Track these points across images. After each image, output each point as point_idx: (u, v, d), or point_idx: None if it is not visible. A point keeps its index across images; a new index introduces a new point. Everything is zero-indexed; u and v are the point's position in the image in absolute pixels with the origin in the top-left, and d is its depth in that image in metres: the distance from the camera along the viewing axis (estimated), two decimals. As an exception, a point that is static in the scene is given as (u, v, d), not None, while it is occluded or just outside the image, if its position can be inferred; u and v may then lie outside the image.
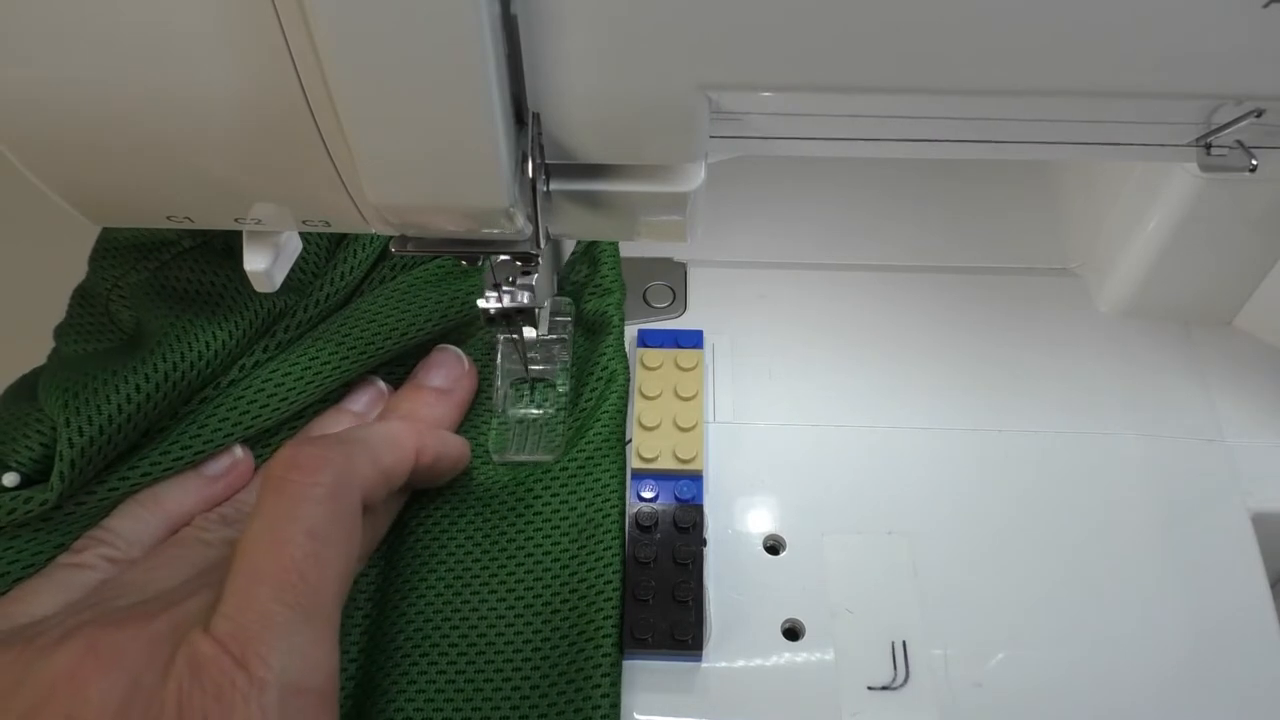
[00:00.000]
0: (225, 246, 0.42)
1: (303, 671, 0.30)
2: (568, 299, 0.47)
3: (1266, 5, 0.26)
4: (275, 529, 0.31)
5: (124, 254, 0.42)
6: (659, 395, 0.45)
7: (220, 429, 0.39)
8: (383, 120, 0.27)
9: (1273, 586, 0.42)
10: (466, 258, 0.34)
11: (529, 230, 0.32)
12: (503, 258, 0.39)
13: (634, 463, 0.43)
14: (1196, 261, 0.47)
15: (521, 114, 0.29)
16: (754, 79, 0.28)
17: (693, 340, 0.47)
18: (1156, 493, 0.44)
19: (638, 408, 0.45)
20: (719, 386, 0.47)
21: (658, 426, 0.44)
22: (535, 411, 0.45)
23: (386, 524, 0.41)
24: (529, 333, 0.41)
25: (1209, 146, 0.33)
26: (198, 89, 0.28)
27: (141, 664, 0.30)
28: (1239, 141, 0.32)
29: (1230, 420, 0.46)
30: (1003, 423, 0.46)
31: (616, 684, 0.37)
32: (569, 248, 0.46)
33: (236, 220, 0.33)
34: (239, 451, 0.41)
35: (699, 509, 0.42)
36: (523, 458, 0.43)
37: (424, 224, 0.32)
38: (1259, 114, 0.30)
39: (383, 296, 0.43)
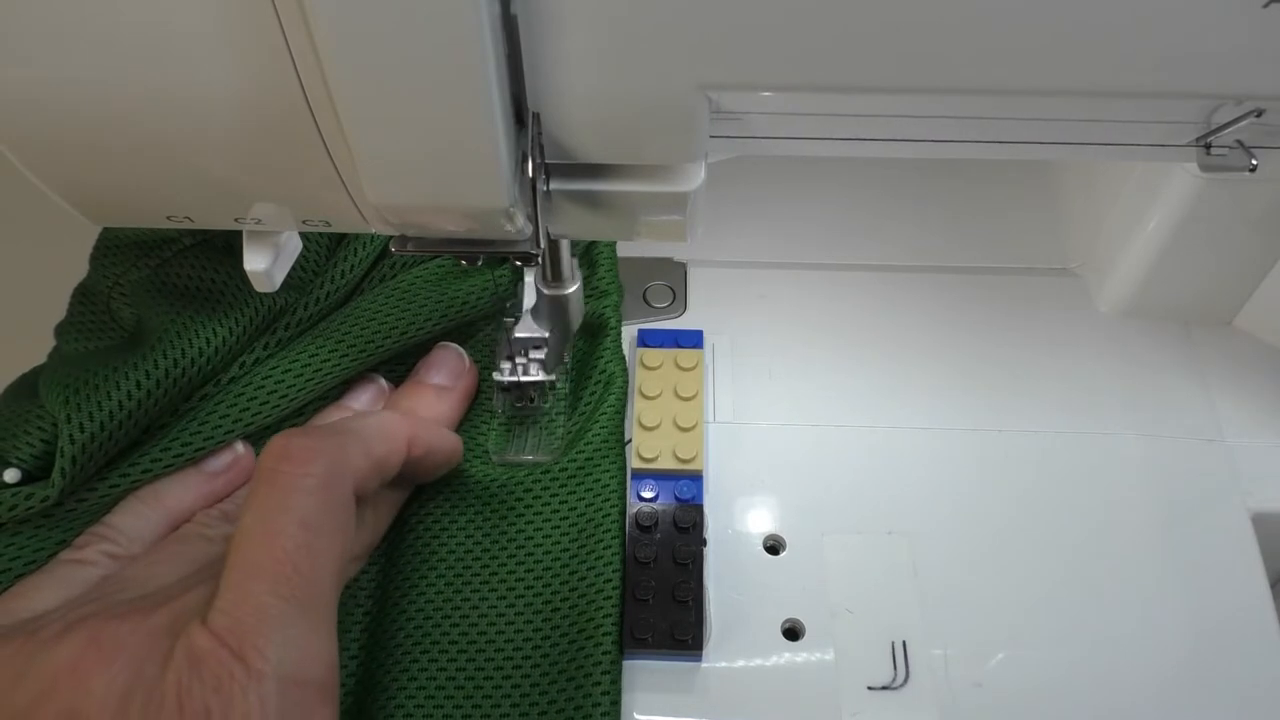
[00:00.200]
0: (226, 244, 0.42)
1: (300, 663, 0.30)
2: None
3: (1266, 5, 0.26)
4: (267, 521, 0.31)
5: (125, 252, 0.42)
6: (659, 395, 0.45)
7: (220, 426, 0.39)
8: (383, 120, 0.27)
9: (1273, 586, 0.42)
10: (466, 258, 0.34)
11: (529, 230, 0.32)
12: (517, 334, 0.40)
13: (634, 463, 0.43)
14: (1196, 261, 0.47)
15: (521, 114, 0.29)
16: (754, 79, 0.28)
17: (693, 340, 0.47)
18: (1156, 493, 0.44)
19: (638, 408, 0.45)
20: (719, 386, 0.47)
21: (658, 426, 0.44)
22: (534, 411, 0.45)
23: (387, 521, 0.41)
24: (535, 370, 0.41)
25: (1209, 146, 0.33)
26: (198, 89, 0.28)
27: (142, 657, 0.30)
28: (1239, 141, 0.32)
29: (1230, 420, 0.46)
30: (1003, 423, 0.46)
31: (617, 682, 0.37)
32: (576, 318, 0.46)
33: (236, 220, 0.33)
34: (240, 448, 0.41)
35: (699, 509, 0.42)
36: (522, 458, 0.43)
37: (424, 224, 0.32)
38: (1259, 114, 0.30)
39: (382, 295, 0.44)
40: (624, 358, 0.46)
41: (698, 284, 0.51)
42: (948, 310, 0.50)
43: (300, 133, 0.29)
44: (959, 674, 0.39)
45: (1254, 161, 0.33)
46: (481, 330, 0.47)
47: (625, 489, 0.42)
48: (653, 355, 0.47)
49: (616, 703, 0.37)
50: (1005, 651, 0.40)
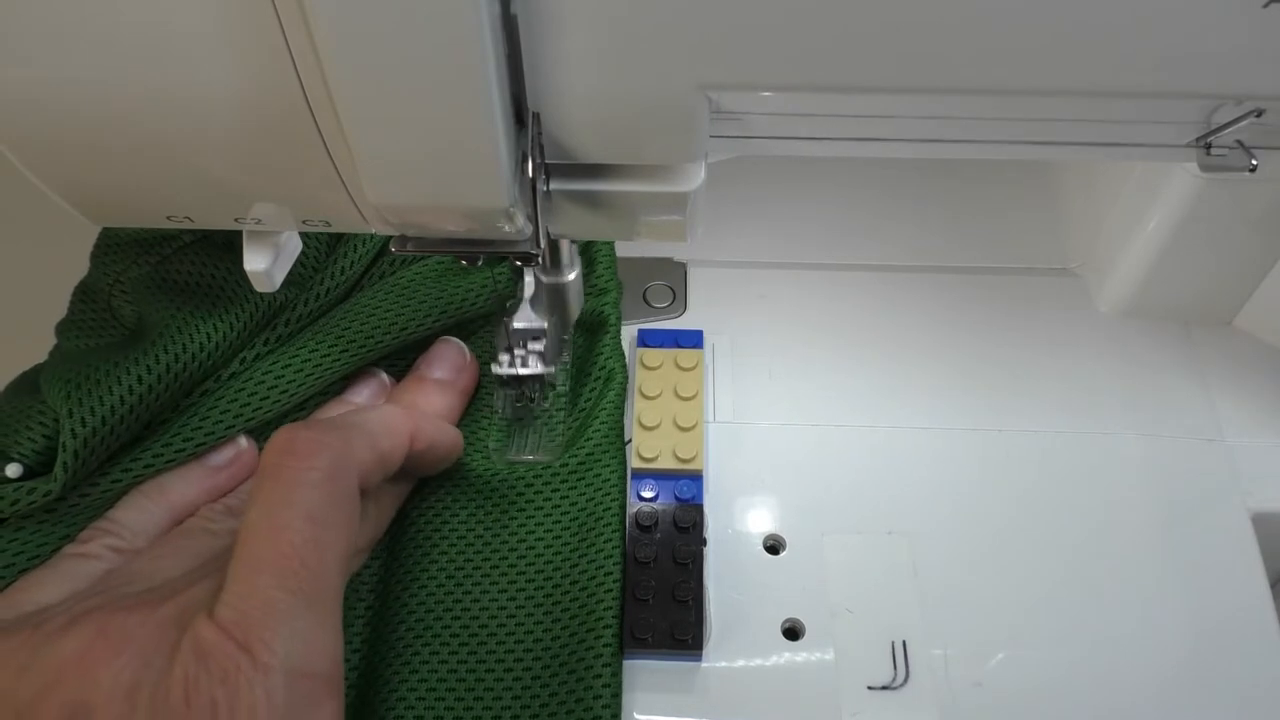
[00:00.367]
0: (226, 241, 0.42)
1: (307, 656, 0.30)
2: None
3: (1266, 5, 0.26)
4: (273, 515, 0.32)
5: (125, 249, 0.42)
6: (659, 395, 0.45)
7: (222, 421, 0.39)
8: (383, 120, 0.27)
9: (1273, 586, 0.42)
10: (466, 257, 0.34)
11: (529, 230, 0.32)
12: (516, 326, 0.40)
13: (634, 462, 0.43)
14: (1196, 261, 0.47)
15: (521, 114, 0.29)
16: (754, 79, 0.28)
17: (693, 340, 0.47)
18: (1156, 493, 0.44)
19: (638, 407, 0.45)
20: (719, 386, 0.47)
21: (658, 426, 0.44)
22: (535, 411, 0.45)
23: (390, 515, 0.41)
24: (534, 362, 0.42)
25: (1209, 146, 0.33)
26: (198, 89, 0.28)
27: (149, 649, 0.30)
28: (1239, 141, 0.32)
29: (1230, 420, 0.46)
30: (1003, 423, 0.46)
31: (618, 675, 0.37)
32: (576, 308, 0.46)
33: (236, 220, 0.33)
34: (243, 442, 0.41)
35: (699, 509, 0.42)
36: (523, 458, 0.43)
37: (424, 224, 0.32)
38: (1259, 114, 0.30)
39: (382, 291, 0.44)
40: (624, 354, 0.46)
41: (698, 284, 0.51)
42: (948, 310, 0.50)
43: (300, 133, 0.29)
44: (959, 674, 0.39)
45: (1254, 161, 0.33)
46: (483, 327, 0.47)
47: (625, 484, 0.42)
48: (653, 355, 0.47)
49: (617, 695, 0.37)
50: (1005, 651, 0.40)
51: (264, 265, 0.35)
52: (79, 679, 0.29)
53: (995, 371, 0.48)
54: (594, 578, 0.39)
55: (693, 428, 0.44)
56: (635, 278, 0.50)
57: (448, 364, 0.45)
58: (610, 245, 0.49)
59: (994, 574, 0.42)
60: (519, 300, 0.42)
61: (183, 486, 0.39)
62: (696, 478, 0.43)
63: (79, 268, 0.44)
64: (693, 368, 0.46)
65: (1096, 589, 0.41)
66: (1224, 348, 0.49)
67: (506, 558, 0.41)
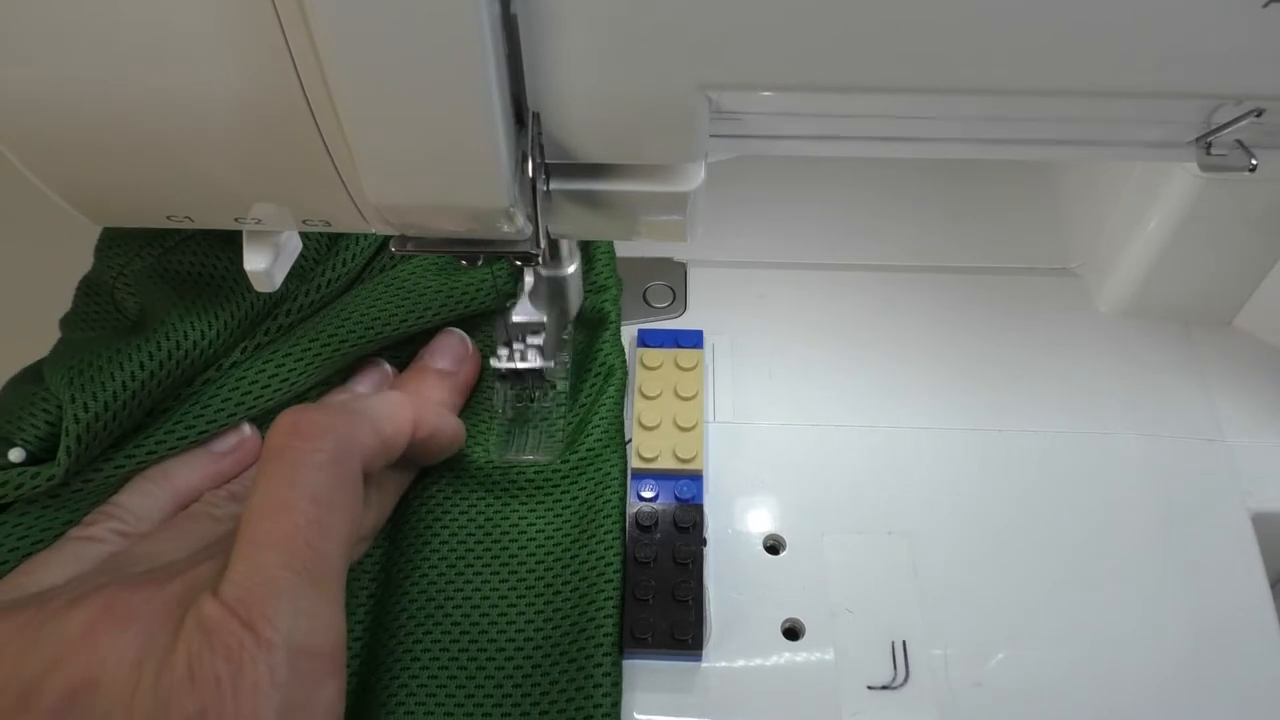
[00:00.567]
0: (227, 234, 0.42)
1: (310, 634, 0.30)
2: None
3: (1266, 5, 0.26)
4: (279, 495, 0.32)
5: (128, 243, 0.43)
6: (659, 395, 0.45)
7: (223, 409, 0.40)
8: (383, 120, 0.27)
9: (1273, 586, 0.42)
10: (466, 257, 0.34)
11: (529, 230, 0.32)
12: (515, 319, 0.40)
13: (634, 462, 0.43)
14: (1196, 261, 0.47)
15: (521, 114, 0.29)
16: (754, 79, 0.28)
17: (693, 340, 0.47)
18: (1156, 493, 0.44)
19: (638, 408, 0.45)
20: (719, 386, 0.47)
21: (658, 426, 0.44)
22: (535, 412, 0.45)
23: (392, 503, 0.41)
24: (533, 356, 0.42)
25: (1209, 146, 0.33)
26: (198, 89, 0.28)
27: (155, 626, 0.30)
28: (1239, 141, 0.32)
29: (1230, 420, 0.46)
30: (1003, 423, 0.46)
31: (617, 663, 0.37)
32: (575, 302, 0.46)
33: (236, 220, 0.33)
34: (246, 429, 0.41)
35: (699, 509, 0.42)
36: (522, 458, 0.43)
37: (424, 224, 0.32)
38: (1259, 114, 0.30)
39: (383, 284, 0.44)
40: (623, 350, 0.46)
41: (698, 284, 0.51)
42: (948, 310, 0.50)
43: (300, 133, 0.29)
44: (959, 674, 0.39)
45: (1254, 161, 0.33)
46: (485, 322, 0.47)
47: (626, 477, 0.42)
48: (653, 355, 0.47)
49: (617, 684, 0.37)
50: (1005, 651, 0.40)
51: (264, 265, 0.35)
52: (85, 654, 0.29)
53: (995, 371, 0.48)
54: (594, 568, 0.39)
55: (693, 428, 0.44)
56: (635, 278, 0.50)
57: (450, 354, 0.45)
58: (610, 242, 0.49)
59: (994, 574, 0.42)
60: (518, 294, 0.42)
61: (186, 472, 0.39)
62: (696, 478, 0.43)
63: (79, 267, 0.44)
64: (693, 368, 0.46)
65: (1096, 589, 0.41)
66: (1224, 348, 0.49)
67: (507, 548, 0.41)
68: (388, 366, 0.45)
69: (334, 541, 0.32)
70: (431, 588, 0.40)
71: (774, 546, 0.42)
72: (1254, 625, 0.40)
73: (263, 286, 0.36)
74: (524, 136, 0.29)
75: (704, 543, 0.41)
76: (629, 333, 0.48)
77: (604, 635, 0.38)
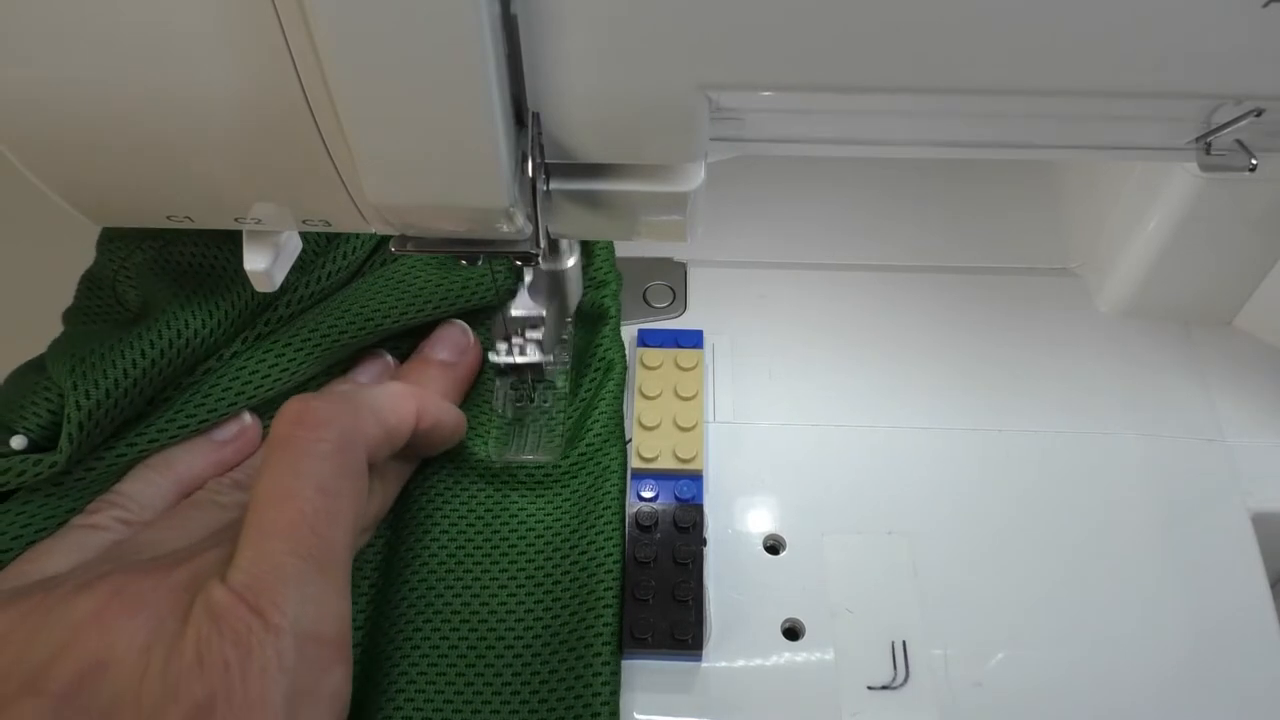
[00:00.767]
0: None
1: (317, 620, 0.31)
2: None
3: (1266, 5, 0.26)
4: (284, 484, 0.32)
5: (129, 236, 0.43)
6: (659, 395, 0.45)
7: (224, 399, 0.40)
8: (383, 120, 0.27)
9: (1273, 586, 0.42)
10: (466, 257, 0.34)
11: (529, 230, 0.32)
12: (513, 313, 0.40)
13: (634, 462, 0.43)
14: (1196, 261, 0.47)
15: (521, 114, 0.29)
16: (754, 79, 0.28)
17: (693, 340, 0.47)
18: (1156, 493, 0.44)
19: (638, 407, 0.45)
20: (719, 386, 0.47)
21: (658, 426, 0.44)
22: (535, 411, 0.45)
23: (395, 493, 0.41)
24: (532, 350, 0.41)
25: (1209, 146, 0.33)
26: (198, 89, 0.28)
27: (164, 610, 0.30)
28: (1239, 141, 0.32)
29: (1230, 420, 0.46)
30: (1003, 423, 0.46)
31: (617, 653, 0.38)
32: (574, 296, 0.46)
33: (236, 220, 0.33)
34: (247, 418, 0.41)
35: (699, 509, 0.42)
36: (523, 458, 0.43)
37: (424, 224, 0.32)
38: (1259, 114, 0.30)
39: (383, 278, 0.44)
40: (623, 345, 0.46)
41: (698, 284, 0.51)
42: (948, 310, 0.50)
43: (300, 133, 0.29)
44: (959, 674, 0.39)
45: (1254, 161, 0.33)
46: (487, 315, 0.47)
47: (626, 469, 0.43)
48: (653, 355, 0.47)
49: (616, 673, 0.37)
50: (1005, 651, 0.40)
51: (264, 265, 0.35)
52: (94, 639, 0.29)
53: (995, 371, 0.48)
54: (594, 559, 0.40)
55: (693, 428, 0.44)
56: (635, 278, 0.50)
57: (452, 346, 0.45)
58: None
59: (994, 574, 0.42)
60: (517, 289, 0.42)
61: (188, 460, 0.40)
62: (696, 478, 0.43)
63: (79, 266, 0.44)
64: (693, 368, 0.46)
65: (1096, 589, 0.41)
66: (1224, 348, 0.49)
67: (507, 539, 0.41)
68: (389, 358, 0.45)
69: (340, 529, 0.32)
70: (431, 576, 0.40)
71: (774, 546, 0.42)
72: (1254, 625, 0.40)
73: (263, 286, 0.36)
74: (524, 136, 0.29)
75: (704, 543, 0.41)
76: (629, 333, 0.48)
77: (603, 625, 0.38)
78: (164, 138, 0.29)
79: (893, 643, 0.40)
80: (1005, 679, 0.39)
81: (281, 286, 0.42)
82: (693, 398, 0.45)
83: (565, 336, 0.47)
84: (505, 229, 0.31)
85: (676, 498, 0.42)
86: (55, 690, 0.29)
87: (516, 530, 0.41)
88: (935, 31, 0.26)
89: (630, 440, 0.44)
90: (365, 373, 0.44)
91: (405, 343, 0.46)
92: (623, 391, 0.45)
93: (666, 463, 0.43)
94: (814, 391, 0.47)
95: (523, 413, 0.45)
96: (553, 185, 0.32)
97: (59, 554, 0.35)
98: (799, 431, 0.46)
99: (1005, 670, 0.39)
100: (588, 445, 0.43)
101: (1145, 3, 0.26)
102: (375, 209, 0.31)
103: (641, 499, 0.42)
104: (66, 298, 0.44)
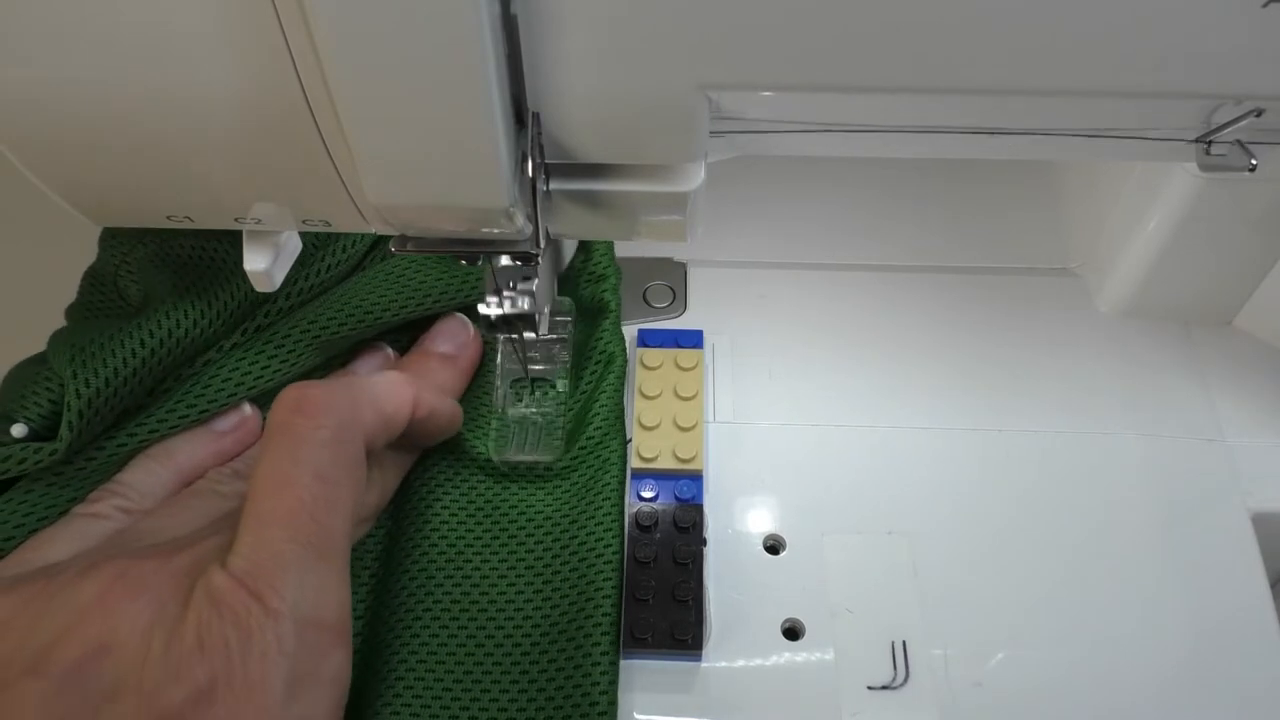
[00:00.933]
0: None
1: (316, 605, 0.31)
2: (568, 299, 0.48)
3: (1266, 5, 0.26)
4: (283, 471, 0.32)
5: (130, 231, 0.43)
6: (659, 395, 0.45)
7: (223, 389, 0.40)
8: (383, 120, 0.27)
9: (1273, 586, 0.42)
10: (466, 257, 0.34)
11: (529, 230, 0.32)
12: (504, 263, 0.40)
13: (634, 462, 0.43)
14: (1196, 261, 0.47)
15: (521, 114, 0.29)
16: (754, 79, 0.28)
17: (693, 340, 0.47)
18: (1156, 493, 0.44)
19: (638, 407, 0.45)
20: (719, 386, 0.47)
21: (658, 426, 0.44)
22: (535, 411, 0.45)
23: (394, 484, 0.42)
24: (528, 334, 0.41)
25: (1209, 146, 0.33)
26: (198, 89, 0.28)
27: (165, 595, 0.30)
28: (1239, 141, 0.32)
29: (1230, 420, 0.46)
30: (1003, 423, 0.46)
31: (615, 643, 0.38)
32: (569, 251, 0.46)
33: (236, 220, 0.33)
34: (247, 409, 0.42)
35: (699, 509, 0.42)
36: (523, 457, 0.43)
37: (424, 224, 0.32)
38: (1259, 114, 0.30)
39: (383, 272, 0.44)
40: (623, 338, 0.46)
41: (698, 284, 0.51)
42: (948, 310, 0.50)
43: (300, 133, 0.29)
44: (959, 674, 0.39)
45: (1254, 161, 0.33)
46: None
47: (626, 462, 0.43)
48: (653, 355, 0.47)
49: (615, 663, 0.37)
50: (1005, 651, 0.40)
51: (264, 265, 0.35)
52: (97, 622, 0.30)
53: (995, 371, 0.48)
54: (593, 549, 0.40)
55: (693, 428, 0.44)
56: (635, 278, 0.50)
57: (452, 338, 0.45)
58: None
59: (994, 574, 0.42)
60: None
61: (188, 450, 0.40)
62: (696, 478, 0.43)
63: (79, 267, 0.44)
64: (693, 368, 0.46)
65: (1096, 589, 0.41)
66: (1224, 348, 0.49)
67: (506, 529, 0.41)
68: (389, 350, 0.45)
69: (338, 516, 0.33)
70: (431, 566, 0.40)
71: (774, 546, 0.42)
72: (1254, 625, 0.40)
73: (263, 286, 0.36)
74: (524, 136, 0.29)
75: (704, 543, 0.41)
76: (629, 333, 0.48)
77: (602, 615, 0.38)
78: (164, 138, 0.29)
79: (893, 643, 0.40)
80: (1005, 679, 0.39)
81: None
82: (693, 398, 0.45)
83: (565, 337, 0.47)
84: (505, 229, 0.31)
85: (676, 498, 0.42)
86: (57, 672, 0.29)
87: (516, 520, 0.41)
88: (935, 31, 0.26)
89: (630, 440, 0.44)
90: (365, 365, 0.45)
91: (405, 336, 0.46)
92: (623, 384, 0.45)
93: (666, 463, 0.43)
94: (814, 391, 0.47)
95: (523, 412, 0.45)
96: (553, 185, 0.32)
97: (61, 542, 0.36)
98: (799, 431, 0.46)
99: (1005, 670, 0.39)
100: (588, 439, 0.43)
101: (1145, 3, 0.26)
102: (375, 209, 0.31)
103: (641, 499, 0.42)
104: (66, 297, 0.44)
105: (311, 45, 0.25)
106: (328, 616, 0.31)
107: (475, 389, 0.46)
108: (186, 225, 0.34)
